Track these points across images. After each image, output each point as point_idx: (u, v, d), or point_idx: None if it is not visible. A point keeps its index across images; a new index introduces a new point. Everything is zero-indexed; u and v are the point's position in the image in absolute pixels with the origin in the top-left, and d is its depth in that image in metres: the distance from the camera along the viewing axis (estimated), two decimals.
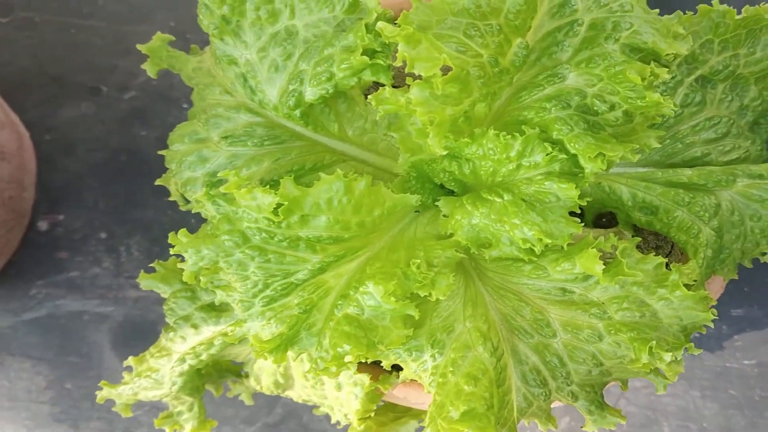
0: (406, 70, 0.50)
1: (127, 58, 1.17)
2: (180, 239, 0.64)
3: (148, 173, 1.15)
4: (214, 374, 0.87)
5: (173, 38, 0.75)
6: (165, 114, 1.18)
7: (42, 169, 1.17)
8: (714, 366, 1.07)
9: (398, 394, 0.77)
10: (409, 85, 0.54)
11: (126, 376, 0.84)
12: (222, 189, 0.60)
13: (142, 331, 1.17)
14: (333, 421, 0.83)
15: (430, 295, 0.60)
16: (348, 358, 0.61)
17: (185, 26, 1.16)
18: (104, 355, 1.18)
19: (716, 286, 0.73)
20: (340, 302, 0.62)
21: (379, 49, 0.62)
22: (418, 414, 0.84)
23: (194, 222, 1.15)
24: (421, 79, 0.52)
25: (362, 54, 0.61)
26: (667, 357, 0.58)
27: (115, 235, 1.17)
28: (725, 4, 0.66)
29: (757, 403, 1.07)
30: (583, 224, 0.63)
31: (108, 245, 1.17)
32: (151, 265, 0.81)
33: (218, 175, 0.66)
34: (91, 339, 1.18)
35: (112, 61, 1.18)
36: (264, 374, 0.82)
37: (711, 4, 0.66)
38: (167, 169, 0.73)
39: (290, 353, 0.64)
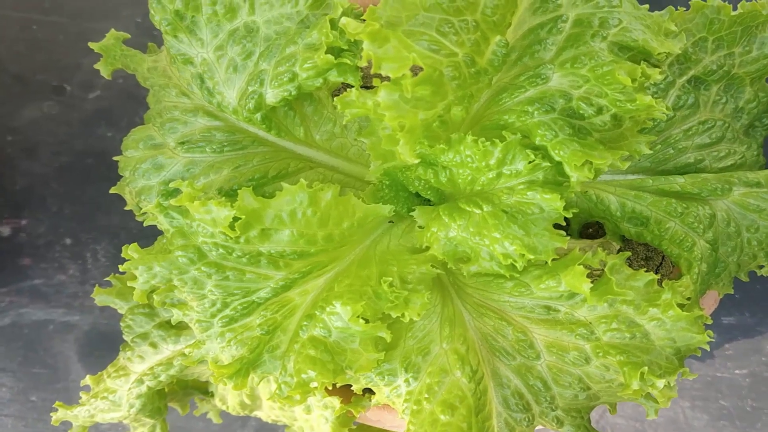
0: (372, 71, 0.46)
1: (92, 56, 1.12)
2: (130, 255, 0.59)
3: (115, 177, 1.11)
4: (179, 392, 0.83)
5: (128, 36, 0.70)
6: (132, 114, 1.14)
7: (3, 173, 1.13)
8: (704, 375, 1.05)
9: (372, 416, 0.73)
10: (375, 80, 0.49)
11: (83, 396, 0.80)
12: (174, 201, 0.55)
13: (109, 341, 1.13)
14: None
15: (403, 316, 0.55)
16: (314, 384, 0.56)
17: (152, 23, 1.12)
18: (71, 366, 1.15)
19: (710, 300, 0.69)
20: (305, 323, 0.58)
21: (345, 48, 0.57)
22: None
23: None
24: (389, 80, 0.47)
25: (327, 52, 0.56)
26: (660, 383, 0.54)
27: (80, 241, 1.14)
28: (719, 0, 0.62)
29: (748, 414, 1.04)
30: (568, 235, 0.59)
31: (73, 252, 1.14)
32: (107, 279, 0.77)
33: (171, 185, 0.61)
34: (56, 349, 1.15)
35: (75, 58, 1.14)
36: (229, 394, 0.77)
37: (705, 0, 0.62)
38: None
39: (253, 377, 0.59)
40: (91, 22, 1.14)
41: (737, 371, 1.05)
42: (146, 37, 1.12)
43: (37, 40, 1.14)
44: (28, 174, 1.13)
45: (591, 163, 0.51)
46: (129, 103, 1.14)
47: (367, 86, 0.73)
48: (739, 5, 0.62)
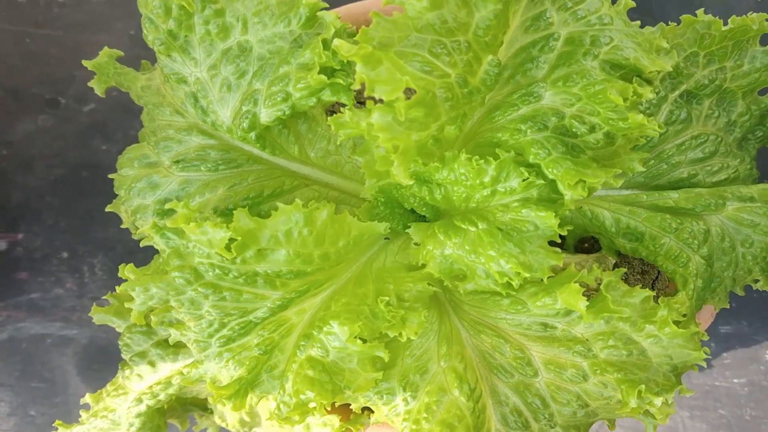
0: (365, 93, 0.45)
1: (86, 69, 1.12)
2: (127, 275, 0.59)
3: (111, 189, 1.11)
4: (179, 408, 0.82)
5: (121, 54, 0.69)
6: (127, 127, 1.14)
7: None
8: (702, 385, 1.04)
9: None
10: (368, 101, 0.49)
11: (83, 414, 0.80)
12: (169, 223, 0.54)
13: (108, 355, 1.13)
14: None
15: (400, 335, 0.55)
16: (313, 405, 0.56)
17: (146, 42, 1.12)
18: (69, 380, 1.15)
19: (706, 314, 0.69)
20: (303, 343, 0.57)
21: (338, 68, 0.56)
22: None
23: None
24: (382, 102, 0.47)
25: (320, 73, 0.56)
26: (658, 401, 0.54)
27: (77, 255, 1.13)
28: (710, 14, 0.62)
29: (747, 423, 1.04)
30: (564, 250, 0.58)
31: (70, 265, 1.13)
32: (104, 297, 0.77)
33: (167, 206, 0.60)
34: (54, 363, 1.15)
35: (70, 71, 1.13)
36: (229, 412, 0.77)
37: (695, 13, 0.62)
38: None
39: (251, 396, 0.59)
40: (84, 35, 1.13)
41: (735, 380, 1.04)
42: (140, 49, 1.12)
43: (31, 53, 1.13)
44: (24, 188, 1.13)
45: (584, 182, 0.51)
46: (124, 115, 1.13)
47: (361, 101, 0.73)
48: (729, 20, 0.62)
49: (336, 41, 0.47)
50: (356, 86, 0.46)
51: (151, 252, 0.67)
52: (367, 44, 0.46)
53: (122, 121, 1.13)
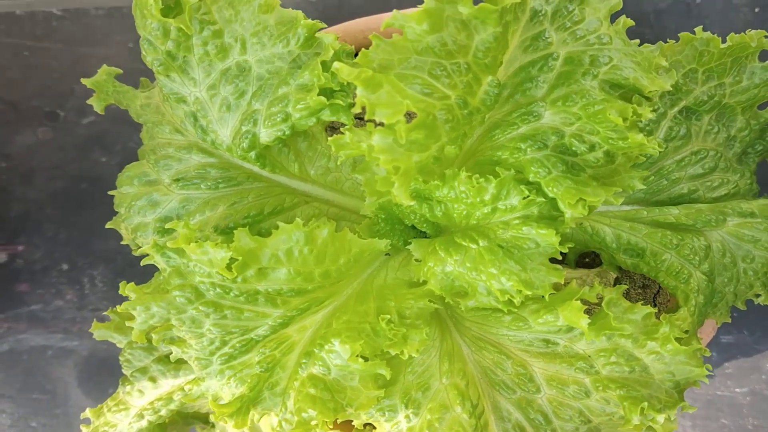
0: (366, 117, 0.45)
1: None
2: (128, 294, 0.59)
3: (110, 201, 1.11)
4: (180, 422, 0.82)
5: (120, 71, 0.69)
6: (126, 139, 1.13)
7: None
8: (704, 394, 1.04)
9: None
10: (369, 124, 0.49)
11: (83, 429, 0.80)
12: (170, 244, 0.55)
13: (109, 366, 1.13)
14: None
15: (402, 353, 0.55)
16: (315, 422, 0.56)
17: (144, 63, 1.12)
18: (70, 391, 1.15)
19: (708, 329, 0.69)
20: (304, 360, 0.58)
21: (337, 89, 0.57)
22: None
23: None
24: (382, 125, 0.47)
25: (319, 94, 0.56)
26: (660, 418, 0.54)
27: (77, 267, 1.13)
28: (708, 31, 0.62)
29: None
30: (565, 265, 0.58)
31: (70, 277, 1.13)
32: (105, 313, 0.77)
33: (167, 225, 0.61)
34: (55, 375, 1.14)
35: (69, 84, 1.13)
36: (230, 429, 0.77)
37: (693, 32, 0.62)
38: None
39: (253, 413, 0.59)
40: (83, 48, 1.13)
41: (737, 390, 1.04)
42: (139, 63, 1.11)
43: (30, 66, 1.13)
44: (23, 200, 1.12)
45: (585, 200, 0.51)
46: (123, 128, 1.13)
47: (360, 117, 0.73)
48: (728, 38, 0.62)
49: (336, 64, 0.47)
50: (357, 110, 0.46)
51: (151, 265, 0.67)
52: (367, 67, 0.46)
53: (121, 133, 1.13)
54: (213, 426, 0.81)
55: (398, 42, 0.47)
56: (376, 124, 0.47)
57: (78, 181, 1.13)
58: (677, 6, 0.98)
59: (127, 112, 1.12)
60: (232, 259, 0.54)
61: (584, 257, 0.72)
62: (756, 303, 0.67)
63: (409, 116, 0.48)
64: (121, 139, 1.13)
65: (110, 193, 0.70)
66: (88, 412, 0.80)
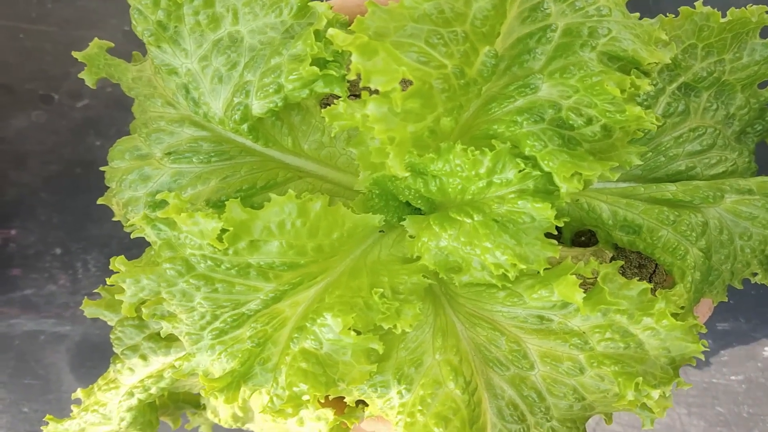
0: (361, 84, 0.45)
1: (80, 65, 1.11)
2: (118, 267, 0.58)
3: (104, 186, 1.11)
4: (171, 405, 0.82)
5: (112, 45, 0.69)
6: (121, 122, 1.13)
7: None
8: (700, 382, 1.04)
9: (367, 428, 0.72)
10: (364, 92, 0.48)
11: (74, 409, 0.79)
12: (161, 213, 0.54)
13: (101, 351, 1.12)
14: None
15: (395, 327, 0.54)
16: (306, 397, 0.55)
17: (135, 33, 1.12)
18: (62, 376, 1.14)
19: (704, 308, 0.69)
20: (296, 335, 0.57)
21: (330, 59, 0.56)
22: None
23: None
24: (377, 93, 0.46)
25: (312, 64, 0.55)
26: (655, 394, 0.53)
27: (70, 251, 1.13)
28: (709, 6, 0.61)
29: (745, 420, 1.04)
30: (560, 243, 0.58)
31: (64, 261, 1.13)
32: (96, 291, 0.76)
33: (158, 197, 0.60)
34: (48, 360, 1.14)
35: (63, 67, 1.12)
36: (221, 407, 0.76)
37: (693, 6, 0.61)
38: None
39: (244, 389, 0.58)
40: (78, 31, 1.13)
41: (733, 377, 1.04)
42: (133, 45, 1.11)
43: (25, 49, 1.13)
44: (17, 184, 1.12)
45: (580, 174, 0.51)
46: (117, 111, 1.13)
47: (354, 94, 0.72)
48: (728, 12, 0.62)
49: (331, 31, 0.46)
50: (351, 76, 0.45)
51: (144, 247, 0.67)
52: (363, 34, 0.45)
53: (116, 117, 1.13)
54: (204, 408, 0.81)
55: (395, 9, 0.46)
56: (371, 92, 0.47)
57: (72, 165, 1.12)
58: None
59: (122, 96, 1.11)
60: (223, 230, 0.54)
61: (580, 236, 0.72)
62: (753, 283, 0.67)
63: (405, 86, 0.47)
64: (115, 123, 1.13)
65: (102, 168, 0.69)
66: (79, 393, 0.80)
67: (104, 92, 1.12)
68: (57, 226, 1.12)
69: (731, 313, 1.04)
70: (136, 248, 1.10)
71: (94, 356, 1.12)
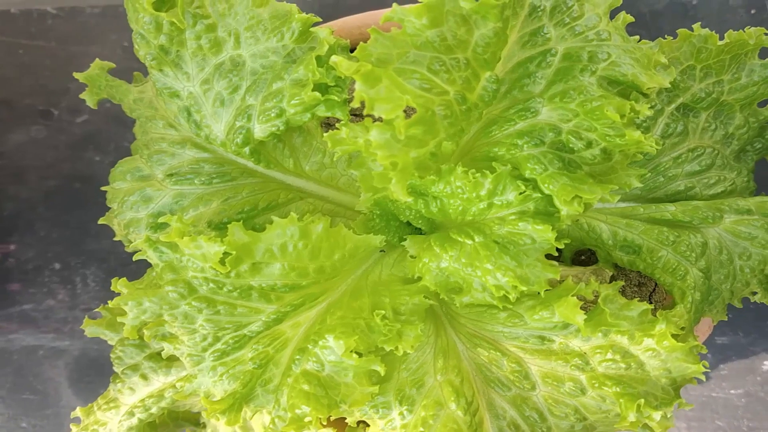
0: (365, 112, 0.45)
1: (79, 80, 1.12)
2: (120, 289, 0.58)
3: (103, 201, 1.11)
4: (170, 424, 0.81)
5: (113, 65, 0.69)
6: (120, 138, 1.13)
7: None
8: (699, 396, 1.04)
9: None
10: (366, 119, 0.49)
11: (73, 428, 0.79)
12: (163, 237, 0.54)
13: (100, 366, 1.12)
14: None
15: (396, 348, 0.54)
16: (308, 419, 0.55)
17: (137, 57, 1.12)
18: (61, 391, 1.14)
19: (704, 327, 0.69)
20: (297, 357, 0.57)
21: (332, 84, 0.56)
22: None
23: None
24: (380, 120, 0.46)
25: (314, 89, 0.56)
26: (657, 415, 0.54)
27: (69, 266, 1.13)
28: (707, 29, 0.62)
29: None
30: (561, 262, 0.58)
31: (62, 276, 1.12)
32: (96, 310, 0.76)
33: (160, 219, 0.60)
34: (46, 375, 1.14)
35: (63, 83, 1.13)
36: (222, 427, 0.76)
37: (691, 23, 0.62)
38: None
39: (246, 410, 0.58)
40: (78, 47, 1.13)
41: (732, 391, 1.04)
42: (133, 61, 1.11)
43: (24, 64, 1.13)
44: (16, 199, 1.12)
45: (580, 197, 0.51)
46: (117, 127, 1.13)
47: (355, 114, 0.73)
48: (726, 35, 0.62)
49: (334, 58, 0.46)
50: (355, 104, 0.46)
51: (144, 264, 0.67)
52: (365, 61, 0.46)
53: (115, 132, 1.13)
54: (204, 427, 0.81)
55: (397, 36, 0.47)
56: (374, 119, 0.47)
57: (71, 180, 1.12)
58: (673, 7, 0.99)
59: (122, 112, 1.11)
60: (226, 254, 0.54)
61: (580, 255, 0.72)
62: (752, 301, 0.67)
63: (406, 111, 0.48)
64: (114, 139, 1.13)
65: (103, 188, 0.69)
66: (78, 411, 0.79)
67: (104, 108, 1.12)
68: (56, 241, 1.12)
69: (730, 327, 1.04)
70: (135, 263, 1.09)
71: (93, 371, 1.11)
